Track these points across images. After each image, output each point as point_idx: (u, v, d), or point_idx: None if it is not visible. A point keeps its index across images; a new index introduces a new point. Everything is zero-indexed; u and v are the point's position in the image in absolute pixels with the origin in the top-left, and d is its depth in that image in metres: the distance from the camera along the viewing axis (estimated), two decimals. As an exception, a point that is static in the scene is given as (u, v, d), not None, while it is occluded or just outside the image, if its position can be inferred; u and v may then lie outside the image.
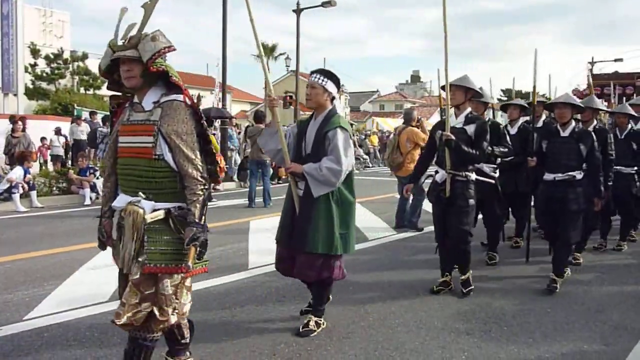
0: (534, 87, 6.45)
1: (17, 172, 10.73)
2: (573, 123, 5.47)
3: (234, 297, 4.96)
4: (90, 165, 12.07)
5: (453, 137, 4.82)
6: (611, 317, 4.60)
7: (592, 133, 5.46)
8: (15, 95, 23.40)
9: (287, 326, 4.22)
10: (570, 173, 5.30)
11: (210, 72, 46.66)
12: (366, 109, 61.66)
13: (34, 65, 31.85)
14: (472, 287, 5.12)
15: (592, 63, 31.93)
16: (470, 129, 4.97)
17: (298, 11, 24.75)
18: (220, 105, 17.37)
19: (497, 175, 6.09)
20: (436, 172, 5.10)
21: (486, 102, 6.22)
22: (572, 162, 5.33)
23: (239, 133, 18.87)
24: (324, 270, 3.96)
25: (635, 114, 7.27)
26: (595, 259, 6.72)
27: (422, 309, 4.68)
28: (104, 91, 36.70)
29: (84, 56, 35.04)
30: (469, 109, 5.12)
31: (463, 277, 5.14)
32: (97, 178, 11.96)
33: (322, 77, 4.01)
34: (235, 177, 15.89)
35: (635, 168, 6.97)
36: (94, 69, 35.63)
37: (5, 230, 8.35)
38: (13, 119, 14.28)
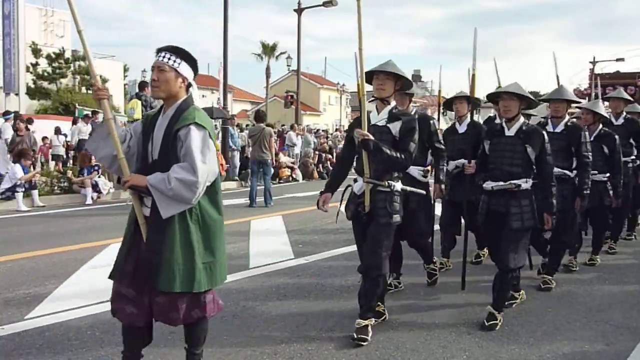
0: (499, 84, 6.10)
1: (16, 171, 10.73)
2: (521, 120, 4.47)
3: (234, 296, 4.96)
4: (92, 165, 12.08)
5: (371, 138, 3.85)
6: (612, 316, 4.59)
7: (544, 132, 4.45)
8: (17, 94, 23.44)
9: (288, 325, 4.23)
10: (513, 181, 4.35)
11: (211, 72, 46.68)
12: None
13: (35, 65, 31.86)
14: (370, 334, 3.96)
15: (594, 63, 31.89)
16: (395, 127, 4.00)
17: (299, 10, 24.76)
18: (221, 105, 17.36)
19: (428, 180, 5.17)
20: (355, 180, 4.17)
21: (411, 94, 5.15)
22: (516, 168, 4.36)
23: (241, 131, 18.88)
24: (192, 310, 3.06)
25: (604, 114, 6.32)
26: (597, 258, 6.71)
27: (423, 308, 4.68)
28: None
29: (85, 55, 34.99)
30: (393, 103, 4.20)
31: (360, 322, 3.95)
32: (99, 177, 11.98)
33: (173, 57, 3.00)
34: (236, 176, 15.90)
35: (608, 175, 6.19)
36: (95, 69, 35.68)
37: (7, 229, 8.36)
38: (13, 114, 14.32)
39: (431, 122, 5.24)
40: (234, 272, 5.81)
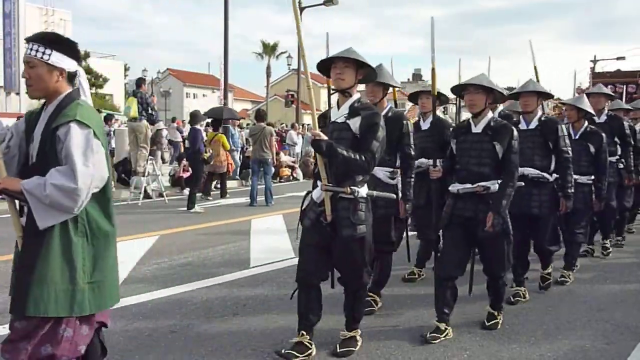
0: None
1: None
2: (489, 115, 4.10)
3: (235, 295, 4.96)
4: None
5: (323, 137, 3.40)
6: (613, 315, 4.59)
7: (513, 128, 4.04)
8: (18, 94, 23.47)
9: (288, 324, 4.22)
10: (482, 183, 3.95)
11: (212, 71, 46.71)
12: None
13: (36, 64, 31.94)
14: (359, 344, 3.79)
15: (595, 61, 31.88)
16: (355, 123, 3.47)
17: (300, 9, 24.76)
18: (222, 104, 17.36)
19: (395, 182, 4.46)
20: (315, 186, 3.68)
21: (386, 86, 4.48)
22: (485, 169, 3.98)
23: (241, 130, 18.88)
24: (44, 344, 2.51)
25: (590, 110, 5.78)
26: (598, 258, 6.70)
27: (424, 308, 4.67)
28: (106, 90, 36.91)
29: (86, 55, 35.07)
30: (356, 96, 3.61)
31: (346, 334, 3.76)
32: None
33: (40, 47, 2.55)
34: (237, 175, 15.90)
35: (593, 177, 5.65)
36: (96, 68, 35.79)
37: (7, 229, 8.34)
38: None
39: (404, 122, 4.46)
40: (235, 270, 5.81)
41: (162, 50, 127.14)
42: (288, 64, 37.73)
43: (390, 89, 4.77)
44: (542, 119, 4.99)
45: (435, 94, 4.78)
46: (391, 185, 4.40)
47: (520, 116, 5.16)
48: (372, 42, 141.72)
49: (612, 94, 6.78)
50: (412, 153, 4.43)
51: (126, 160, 12.48)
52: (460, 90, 4.30)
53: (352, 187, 3.45)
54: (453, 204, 4.09)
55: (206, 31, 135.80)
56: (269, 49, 46.88)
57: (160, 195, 11.66)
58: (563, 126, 5.01)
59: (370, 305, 4.46)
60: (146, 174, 11.62)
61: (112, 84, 37.50)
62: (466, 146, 4.12)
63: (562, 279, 5.50)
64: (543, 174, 4.88)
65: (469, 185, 3.99)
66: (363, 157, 3.39)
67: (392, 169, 4.42)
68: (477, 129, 4.08)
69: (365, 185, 3.56)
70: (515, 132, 4.00)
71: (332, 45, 4.65)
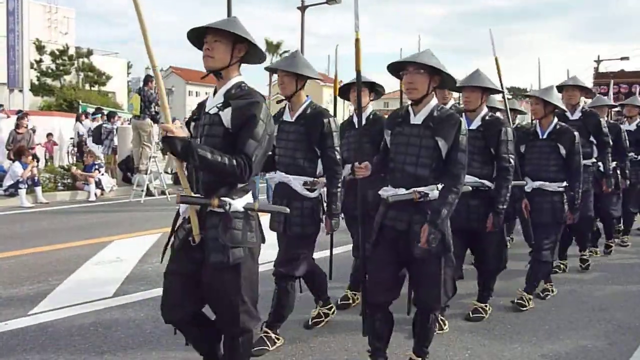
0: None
1: (15, 169, 10.75)
2: (433, 103, 3.18)
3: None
4: (95, 162, 12.09)
5: (177, 134, 2.49)
6: (615, 315, 4.59)
7: (460, 119, 3.16)
8: (21, 91, 23.49)
9: (290, 323, 4.22)
10: (418, 189, 3.10)
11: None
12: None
13: (39, 62, 31.99)
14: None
15: (598, 61, 31.82)
16: (226, 115, 2.65)
17: (303, 8, 24.72)
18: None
19: (316, 194, 3.74)
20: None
21: (302, 75, 3.67)
22: (423, 170, 3.11)
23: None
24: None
25: (560, 105, 4.87)
26: (599, 257, 6.69)
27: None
28: (109, 87, 36.98)
29: (89, 52, 35.13)
30: (235, 79, 2.77)
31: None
32: (102, 174, 12.01)
33: None
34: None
35: (565, 184, 4.75)
36: (99, 65, 35.83)
37: (10, 226, 8.38)
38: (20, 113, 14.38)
39: (325, 120, 3.67)
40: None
41: (165, 48, 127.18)
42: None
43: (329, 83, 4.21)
44: (487, 118, 4.20)
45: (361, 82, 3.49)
46: (310, 198, 3.70)
47: (463, 114, 4.21)
48: (375, 40, 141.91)
49: (589, 87, 6.01)
50: (338, 157, 3.71)
51: (129, 158, 12.49)
52: (398, 69, 3.32)
53: (222, 198, 2.62)
54: (384, 213, 3.24)
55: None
56: (273, 48, 46.86)
57: (163, 193, 11.68)
58: (508, 129, 4.19)
59: (262, 342, 3.69)
60: (149, 171, 11.64)
61: (115, 82, 37.55)
62: (402, 141, 3.19)
63: (520, 301, 4.64)
64: (483, 181, 4.11)
65: (402, 191, 3.12)
66: (234, 161, 2.54)
67: (311, 178, 3.71)
68: (416, 119, 3.17)
69: (248, 195, 2.72)
70: (464, 125, 3.15)
71: (335, 44, 4.58)
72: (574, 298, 5.07)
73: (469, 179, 3.86)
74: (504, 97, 5.41)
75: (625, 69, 23.15)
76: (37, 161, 12.84)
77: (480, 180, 4.11)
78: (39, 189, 10.84)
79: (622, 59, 31.89)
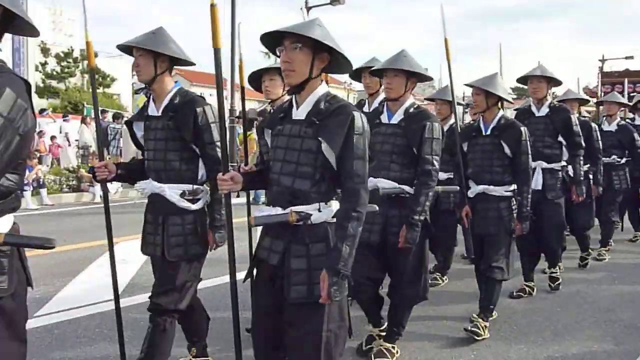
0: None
1: None
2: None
3: (241, 294, 4.95)
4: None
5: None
6: (621, 316, 4.56)
7: (430, 117, 3.21)
8: (26, 93, 23.61)
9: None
10: (296, 208, 2.30)
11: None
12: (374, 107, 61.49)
13: (44, 64, 32.10)
14: None
15: (603, 61, 31.70)
16: None
17: (307, 9, 24.76)
18: (228, 105, 17.35)
19: (197, 207, 3.07)
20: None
21: (165, 55, 2.95)
22: (303, 183, 2.30)
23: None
24: None
25: (504, 96, 4.15)
26: (604, 258, 6.66)
27: (430, 308, 4.66)
28: (113, 89, 37.06)
29: (94, 55, 35.20)
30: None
31: None
32: (107, 176, 12.05)
33: None
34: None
35: (513, 187, 4.10)
36: (104, 68, 35.94)
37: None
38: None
39: (199, 110, 2.97)
40: (238, 270, 5.80)
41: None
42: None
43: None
44: (411, 110, 3.47)
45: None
46: (192, 211, 3.04)
47: (385, 105, 3.64)
48: (379, 40, 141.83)
49: (558, 79, 5.00)
50: (216, 155, 2.95)
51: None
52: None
53: None
54: (258, 241, 2.54)
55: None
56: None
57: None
58: (435, 124, 3.42)
59: None
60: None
61: (120, 84, 37.65)
62: (281, 144, 2.38)
63: (474, 329, 3.97)
64: (403, 186, 3.45)
65: (279, 211, 2.32)
66: None
67: (191, 186, 3.03)
68: (298, 114, 2.36)
69: (9, 214, 2.01)
70: (359, 120, 2.25)
71: (341, 44, 3.43)
72: (580, 298, 5.05)
73: (385, 183, 3.41)
74: (453, 85, 4.45)
75: (630, 68, 23.07)
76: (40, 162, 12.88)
77: (400, 186, 3.44)
78: (44, 191, 10.90)
79: (626, 58, 31.74)
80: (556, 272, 5.28)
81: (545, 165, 4.92)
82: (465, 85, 4.46)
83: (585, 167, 5.58)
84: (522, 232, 4.12)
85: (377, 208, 2.79)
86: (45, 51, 32.14)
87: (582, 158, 5.12)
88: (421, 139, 3.36)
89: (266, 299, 2.45)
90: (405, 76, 3.39)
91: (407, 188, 3.44)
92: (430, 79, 3.60)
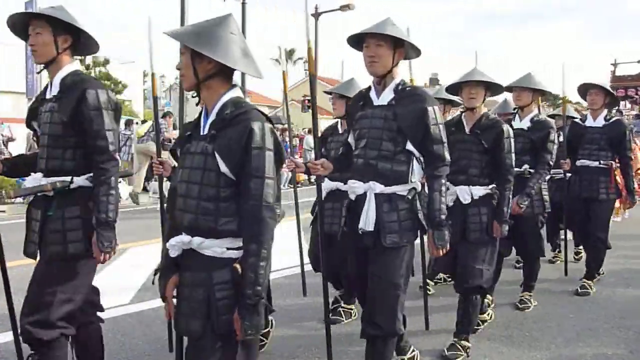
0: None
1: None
2: (227, 96, 2.23)
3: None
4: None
5: None
6: (635, 322, 4.51)
7: (427, 107, 2.82)
8: (38, 100, 23.85)
9: (302, 329, 4.23)
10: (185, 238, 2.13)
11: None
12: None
13: (56, 71, 32.46)
14: None
15: (615, 64, 31.49)
16: None
17: (316, 15, 24.82)
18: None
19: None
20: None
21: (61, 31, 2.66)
22: (203, 198, 2.08)
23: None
24: None
25: (455, 98, 4.25)
26: (619, 263, 6.60)
27: (442, 313, 4.64)
28: (125, 96, 37.30)
29: (106, 61, 35.43)
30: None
31: None
32: (120, 182, 12.12)
33: None
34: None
35: (492, 186, 3.69)
36: (115, 74, 36.20)
37: (19, 234, 8.46)
38: None
39: (91, 91, 2.54)
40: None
41: (174, 53, 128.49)
42: (305, 70, 37.90)
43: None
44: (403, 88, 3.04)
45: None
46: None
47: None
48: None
49: (545, 90, 4.72)
50: (110, 147, 2.63)
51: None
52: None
53: None
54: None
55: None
56: (287, 55, 47.04)
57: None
58: (436, 107, 2.98)
59: None
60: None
61: (131, 90, 37.90)
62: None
63: (455, 351, 3.70)
64: (338, 183, 3.57)
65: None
66: None
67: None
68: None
69: None
70: (258, 127, 1.98)
71: (351, 50, 3.17)
72: (592, 304, 5.00)
73: (332, 185, 3.68)
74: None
75: (641, 72, 22.92)
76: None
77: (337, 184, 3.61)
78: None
79: (638, 61, 31.50)
80: (526, 296, 4.83)
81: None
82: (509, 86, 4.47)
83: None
84: (501, 236, 3.70)
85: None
86: (57, 58, 32.50)
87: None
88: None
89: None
90: (391, 47, 2.87)
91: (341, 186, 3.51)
92: (419, 52, 3.03)
